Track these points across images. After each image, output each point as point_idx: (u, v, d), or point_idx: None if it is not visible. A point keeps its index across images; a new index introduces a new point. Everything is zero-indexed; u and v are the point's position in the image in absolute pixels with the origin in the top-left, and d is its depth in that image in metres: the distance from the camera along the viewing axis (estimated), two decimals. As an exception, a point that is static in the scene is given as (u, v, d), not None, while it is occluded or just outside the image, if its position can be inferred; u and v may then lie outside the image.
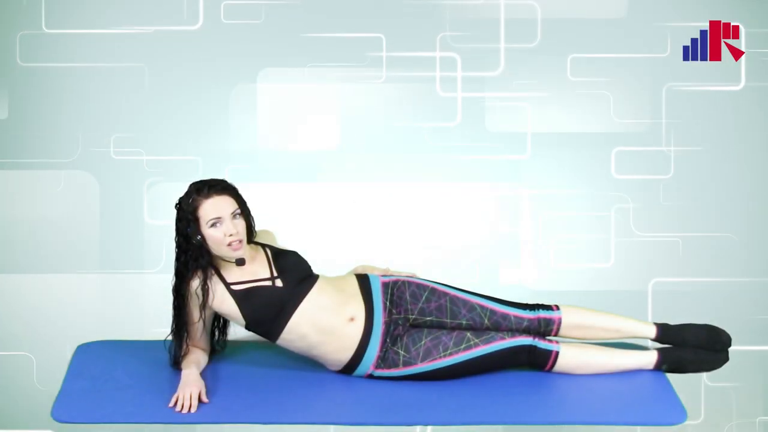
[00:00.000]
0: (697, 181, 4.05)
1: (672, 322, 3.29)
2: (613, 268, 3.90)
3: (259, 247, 3.23)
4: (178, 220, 3.13)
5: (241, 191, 3.17)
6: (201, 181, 3.14)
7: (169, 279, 3.18)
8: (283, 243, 3.35)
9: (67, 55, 4.16)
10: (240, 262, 3.13)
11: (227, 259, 3.14)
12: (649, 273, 3.82)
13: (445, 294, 3.26)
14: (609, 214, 4.00)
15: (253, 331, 3.18)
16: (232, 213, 3.11)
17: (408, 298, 3.24)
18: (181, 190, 3.16)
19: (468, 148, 4.15)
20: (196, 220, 3.09)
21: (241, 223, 3.13)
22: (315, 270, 3.25)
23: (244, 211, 3.16)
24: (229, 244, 3.09)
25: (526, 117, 4.14)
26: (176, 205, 3.14)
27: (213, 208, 3.09)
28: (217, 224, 3.09)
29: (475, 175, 4.12)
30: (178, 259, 3.14)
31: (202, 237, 3.10)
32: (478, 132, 4.16)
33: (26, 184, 4.05)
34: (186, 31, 4.17)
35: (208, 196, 3.10)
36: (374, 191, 4.11)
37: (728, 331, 3.26)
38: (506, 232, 4.04)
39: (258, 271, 3.17)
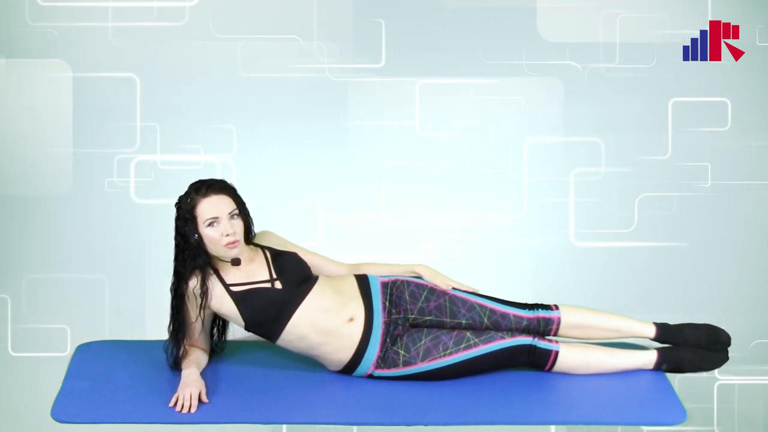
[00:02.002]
0: (696, 164, 4.06)
1: (671, 321, 3.29)
2: (614, 250, 3.91)
3: (259, 249, 3.23)
4: (177, 219, 3.13)
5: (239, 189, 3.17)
6: (200, 181, 3.15)
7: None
8: (288, 237, 3.36)
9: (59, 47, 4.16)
10: (235, 262, 3.12)
11: (224, 259, 3.13)
12: (649, 257, 3.85)
13: (445, 293, 3.25)
14: (609, 200, 4.01)
15: (252, 332, 3.17)
16: (229, 213, 3.10)
17: (407, 297, 3.24)
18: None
19: (466, 138, 4.15)
20: (193, 219, 3.09)
21: (238, 224, 3.12)
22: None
23: (243, 212, 3.16)
24: (226, 245, 3.09)
25: (527, 104, 4.13)
26: (176, 204, 3.14)
27: (210, 207, 3.09)
28: (214, 224, 3.09)
29: (475, 164, 4.13)
30: (176, 258, 3.14)
31: (199, 236, 3.10)
32: (477, 121, 4.16)
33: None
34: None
35: (206, 195, 3.10)
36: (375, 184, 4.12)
37: (730, 324, 3.27)
38: (506, 223, 4.04)
39: (257, 272, 3.17)
